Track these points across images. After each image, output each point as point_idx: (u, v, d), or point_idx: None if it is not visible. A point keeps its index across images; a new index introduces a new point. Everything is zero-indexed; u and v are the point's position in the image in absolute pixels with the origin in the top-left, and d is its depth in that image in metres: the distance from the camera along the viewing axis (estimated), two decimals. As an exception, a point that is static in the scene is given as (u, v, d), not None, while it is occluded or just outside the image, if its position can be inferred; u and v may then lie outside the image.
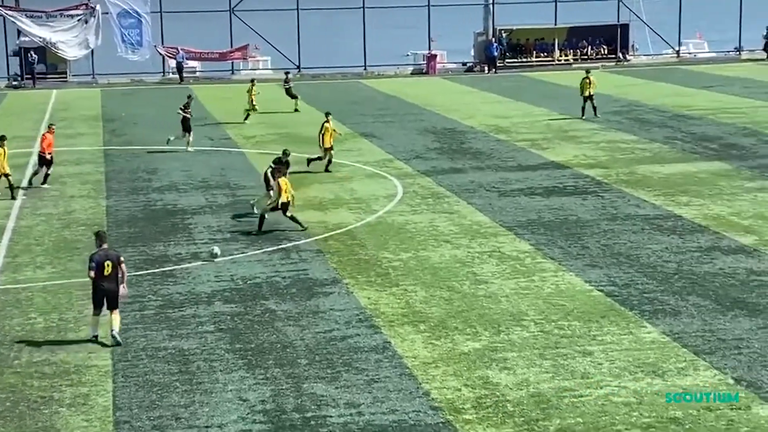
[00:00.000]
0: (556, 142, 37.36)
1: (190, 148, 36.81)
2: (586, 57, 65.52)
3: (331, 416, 14.98)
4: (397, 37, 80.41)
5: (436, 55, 64.83)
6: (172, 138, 36.88)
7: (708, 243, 23.65)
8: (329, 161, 32.80)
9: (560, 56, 65.48)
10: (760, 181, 30.10)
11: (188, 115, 37.04)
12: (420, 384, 16.07)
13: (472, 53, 66.98)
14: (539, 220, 26.12)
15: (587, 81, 42.59)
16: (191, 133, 37.11)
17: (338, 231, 25.41)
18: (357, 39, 64.50)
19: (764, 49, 66.27)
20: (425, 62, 64.56)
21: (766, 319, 18.57)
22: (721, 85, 53.54)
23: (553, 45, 65.62)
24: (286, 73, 49.88)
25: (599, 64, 64.05)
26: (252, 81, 45.98)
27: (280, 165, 27.04)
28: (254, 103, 43.96)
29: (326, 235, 25.01)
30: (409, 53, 71.17)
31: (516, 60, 65.22)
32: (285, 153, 28.16)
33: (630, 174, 31.47)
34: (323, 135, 32.53)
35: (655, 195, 28.57)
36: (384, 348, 17.61)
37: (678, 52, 68.14)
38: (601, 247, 23.52)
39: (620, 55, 65.90)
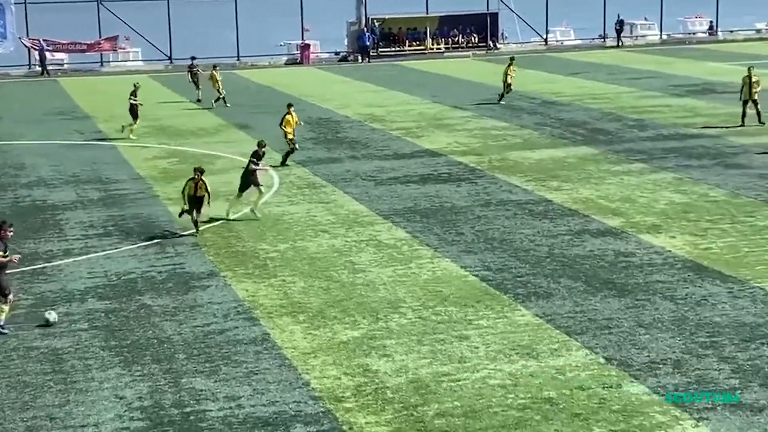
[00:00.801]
0: (430, 130, 37.77)
1: (132, 136, 37.14)
2: (457, 45, 66.32)
3: (210, 410, 14.88)
4: (270, 27, 79.95)
5: (309, 45, 64.74)
6: (126, 129, 37.28)
7: (578, 226, 24.27)
8: (291, 152, 32.14)
9: (432, 45, 66.12)
10: (626, 164, 31.02)
11: (137, 103, 37.31)
12: (300, 374, 16.09)
13: (346, 43, 67.13)
14: (415, 208, 26.39)
15: (510, 68, 43.57)
16: (137, 120, 37.52)
17: (215, 224, 25.19)
18: (229, 29, 63.89)
19: (617, 37, 68.19)
20: (299, 52, 64.43)
21: (634, 299, 19.17)
22: (587, 71, 54.92)
23: (425, 34, 66.22)
24: (193, 58, 49.45)
25: (470, 53, 64.99)
26: (214, 66, 45.91)
27: (255, 158, 25.89)
28: (220, 87, 44.30)
29: (203, 227, 24.75)
30: (282, 43, 70.92)
31: (389, 49, 65.58)
32: (260, 144, 26.57)
33: (502, 160, 32.04)
34: (285, 126, 31.84)
35: (526, 180, 29.17)
36: (263, 340, 17.56)
37: (546, 39, 69.60)
38: (476, 233, 23.90)
39: (490, 43, 66.93)
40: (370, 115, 41.68)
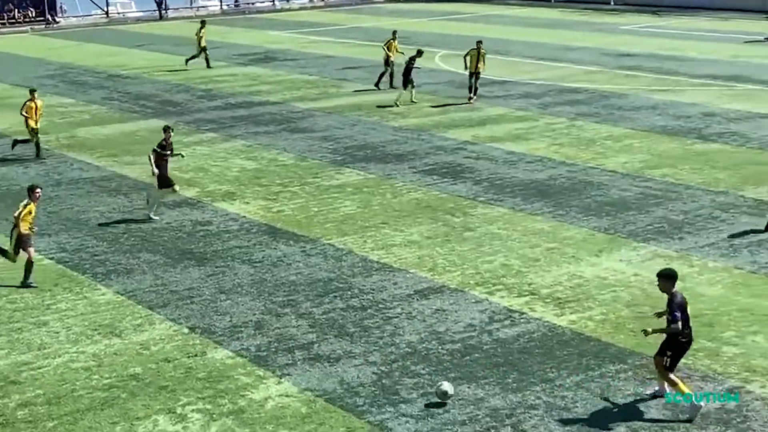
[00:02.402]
0: (-12, 111, 35.79)
1: None
2: (14, 21, 63.24)
3: None
4: None
5: None
6: None
7: (153, 200, 24.19)
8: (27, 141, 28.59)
9: (-14, 20, 62.54)
10: (197, 134, 31.33)
11: None
12: None
13: None
14: (-21, 194, 25.00)
15: (202, 31, 43.99)
16: None
17: None
18: None
19: (158, 9, 68.26)
20: None
21: (214, 266, 19.52)
22: (152, 43, 54.54)
23: (-23, 9, 62.47)
24: None
25: (28, 28, 62.24)
26: None
27: (163, 148, 22.09)
28: None
29: None
30: None
31: (-63, 25, 61.16)
32: (166, 129, 22.57)
33: (71, 138, 31.15)
34: (27, 115, 28.00)
35: (98, 157, 28.60)
36: None
37: (107, 12, 68.22)
38: (49, 214, 23.10)
39: (49, 17, 64.50)
40: None
